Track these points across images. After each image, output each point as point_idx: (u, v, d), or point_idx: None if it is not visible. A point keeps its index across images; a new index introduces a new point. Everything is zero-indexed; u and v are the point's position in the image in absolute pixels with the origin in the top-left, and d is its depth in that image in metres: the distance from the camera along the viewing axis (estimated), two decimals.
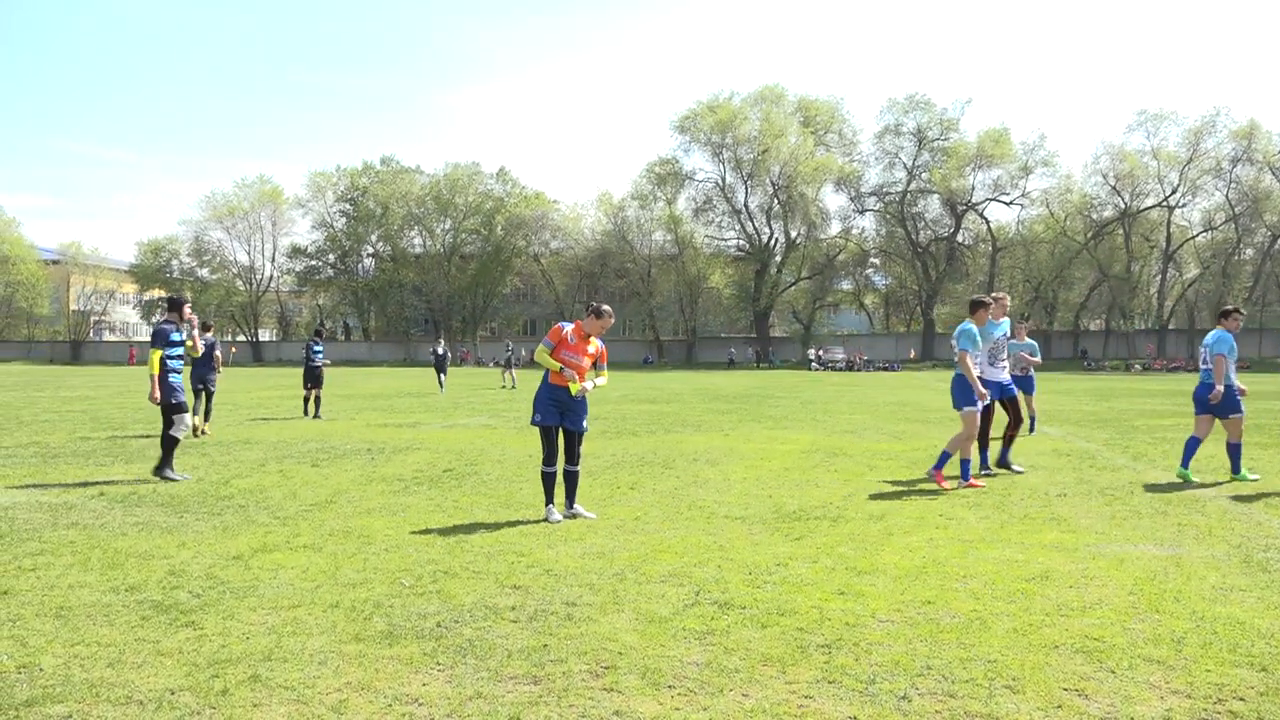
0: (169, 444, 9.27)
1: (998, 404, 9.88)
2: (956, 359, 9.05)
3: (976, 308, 9.33)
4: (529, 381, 38.22)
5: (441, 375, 28.44)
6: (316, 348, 18.65)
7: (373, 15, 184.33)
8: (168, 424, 9.29)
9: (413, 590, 5.11)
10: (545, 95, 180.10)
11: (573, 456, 7.42)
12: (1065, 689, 3.69)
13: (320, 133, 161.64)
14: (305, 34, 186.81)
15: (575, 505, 7.42)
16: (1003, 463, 9.98)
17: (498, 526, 6.94)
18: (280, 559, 5.85)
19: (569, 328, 7.33)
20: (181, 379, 9.64)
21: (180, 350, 9.70)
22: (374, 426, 15.64)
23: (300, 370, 20.06)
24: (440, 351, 28.95)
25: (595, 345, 7.42)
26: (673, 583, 5.28)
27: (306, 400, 18.23)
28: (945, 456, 8.96)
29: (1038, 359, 13.61)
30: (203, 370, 14.15)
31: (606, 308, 7.45)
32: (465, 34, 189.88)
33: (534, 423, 7.32)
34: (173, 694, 3.62)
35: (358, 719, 3.41)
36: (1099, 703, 3.56)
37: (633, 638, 4.30)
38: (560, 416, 7.32)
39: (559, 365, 7.23)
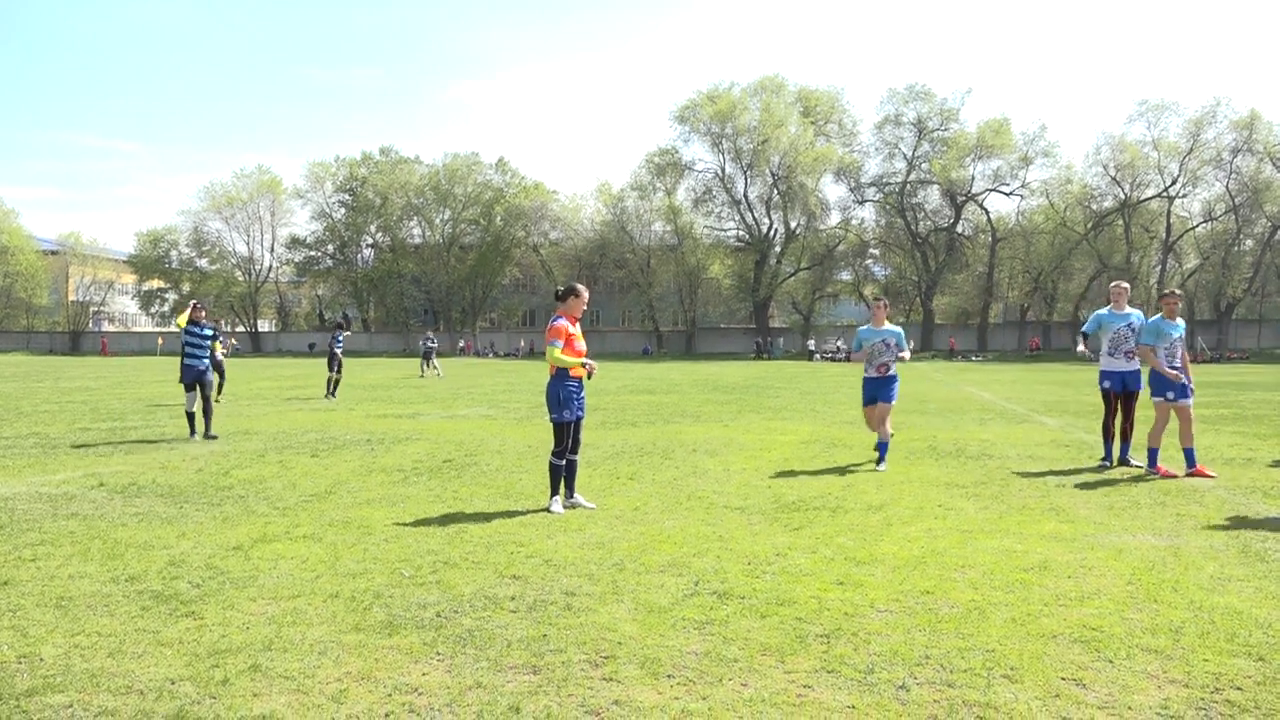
0: (188, 416, 12.22)
1: (1117, 396, 9.75)
2: (1139, 353, 9.41)
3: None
4: (451, 368, 38.31)
5: (425, 363, 33.12)
6: (340, 337, 21.53)
7: (373, 9, 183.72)
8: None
9: (412, 580, 5.12)
10: (544, 86, 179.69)
11: (576, 445, 7.45)
12: (1063, 678, 3.70)
13: (319, 124, 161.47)
14: (305, 27, 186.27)
15: (575, 495, 7.44)
16: (1123, 458, 9.72)
17: (497, 517, 6.95)
18: (280, 549, 5.85)
19: (563, 322, 7.31)
20: (199, 365, 12.36)
21: (203, 343, 12.43)
22: (373, 417, 15.64)
23: (324, 359, 23.14)
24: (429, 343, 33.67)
25: (579, 325, 7.50)
26: (672, 573, 5.29)
27: (329, 382, 20.85)
28: (1154, 453, 9.15)
29: (905, 353, 9.90)
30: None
31: (580, 285, 7.51)
32: (465, 27, 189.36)
33: (562, 420, 7.29)
34: (173, 684, 3.63)
35: (358, 708, 3.42)
36: (1097, 692, 3.57)
37: (632, 627, 4.31)
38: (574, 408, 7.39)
39: (579, 360, 7.28)
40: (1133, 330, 9.66)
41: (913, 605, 4.66)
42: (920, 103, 68.83)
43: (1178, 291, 9.55)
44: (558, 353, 7.22)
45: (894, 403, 10.05)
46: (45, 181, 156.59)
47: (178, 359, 12.72)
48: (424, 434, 12.86)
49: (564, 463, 7.34)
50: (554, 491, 7.30)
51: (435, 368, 33.26)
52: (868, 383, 10.03)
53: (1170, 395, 9.13)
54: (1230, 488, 8.27)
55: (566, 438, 7.31)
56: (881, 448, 9.85)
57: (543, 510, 7.19)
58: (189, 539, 6.15)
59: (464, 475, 9.04)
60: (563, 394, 7.29)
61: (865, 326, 10.06)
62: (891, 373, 9.92)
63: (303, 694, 3.54)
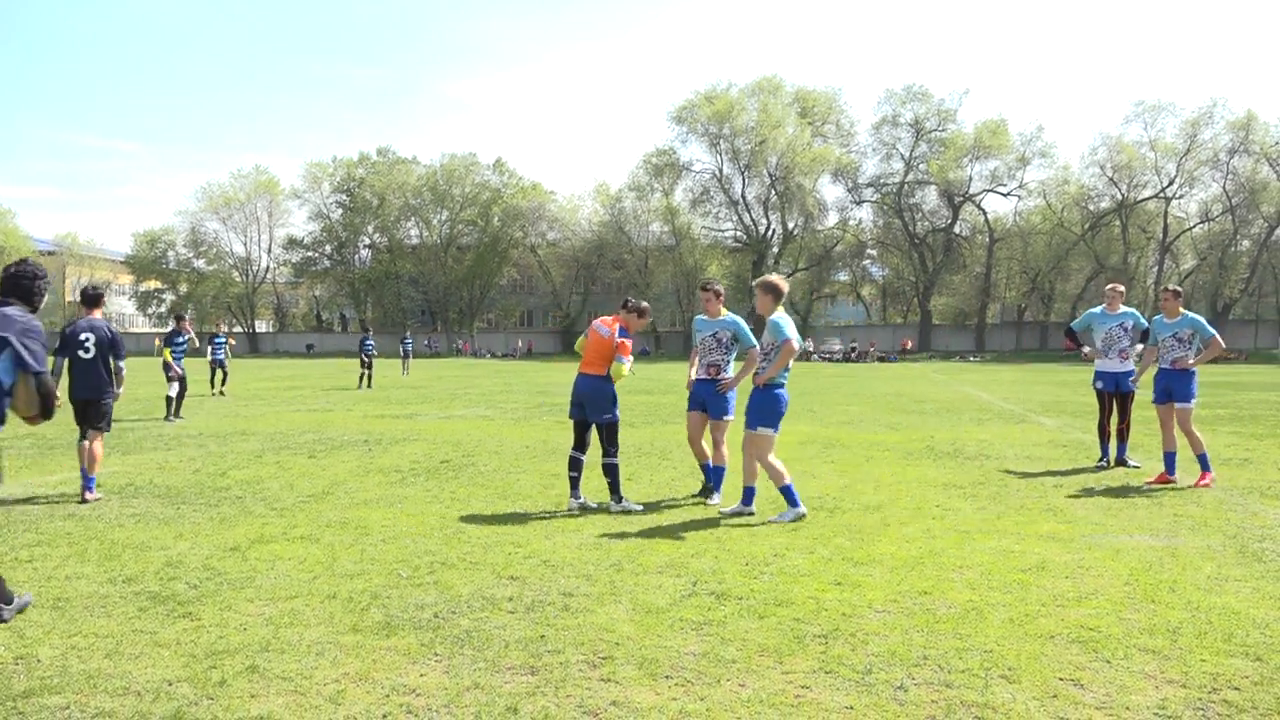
0: (167, 400, 15.34)
1: (1110, 396, 9.67)
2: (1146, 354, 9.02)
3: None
4: (449, 368, 38.38)
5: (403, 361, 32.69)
6: (369, 340, 25.76)
7: (369, 7, 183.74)
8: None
9: (410, 581, 5.11)
10: (542, 86, 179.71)
11: (585, 445, 7.52)
12: (1061, 679, 3.71)
13: (316, 124, 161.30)
14: (300, 26, 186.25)
15: (582, 494, 7.45)
16: (1120, 458, 9.63)
17: (495, 517, 6.95)
18: (277, 550, 5.85)
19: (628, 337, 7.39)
20: (181, 363, 15.58)
21: (183, 346, 15.93)
22: (371, 418, 15.62)
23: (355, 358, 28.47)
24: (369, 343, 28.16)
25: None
26: (670, 573, 5.29)
27: (361, 377, 25.25)
28: (1204, 458, 8.51)
29: (759, 348, 7.21)
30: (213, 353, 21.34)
31: (646, 305, 7.63)
32: (461, 26, 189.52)
33: (619, 419, 7.42)
34: (170, 685, 3.62)
35: (355, 709, 3.41)
36: (1094, 692, 3.58)
37: (630, 628, 4.31)
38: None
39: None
40: (1125, 330, 9.64)
41: (910, 606, 4.66)
42: (918, 103, 68.95)
43: (1170, 287, 9.09)
44: (625, 369, 7.29)
45: (728, 419, 7.71)
46: (44, 181, 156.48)
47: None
48: (421, 434, 12.85)
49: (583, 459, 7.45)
50: (620, 489, 7.35)
51: (368, 375, 26.50)
52: (695, 386, 7.81)
53: (1155, 398, 8.85)
54: (1227, 488, 8.28)
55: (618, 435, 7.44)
56: (715, 474, 7.80)
57: (546, 512, 7.18)
58: (186, 540, 6.14)
59: (461, 476, 9.04)
60: (616, 395, 7.41)
61: (699, 316, 7.94)
62: (726, 375, 7.69)
63: (300, 695, 3.53)
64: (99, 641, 4.11)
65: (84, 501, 7.57)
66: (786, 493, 6.94)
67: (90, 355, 7.89)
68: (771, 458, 6.95)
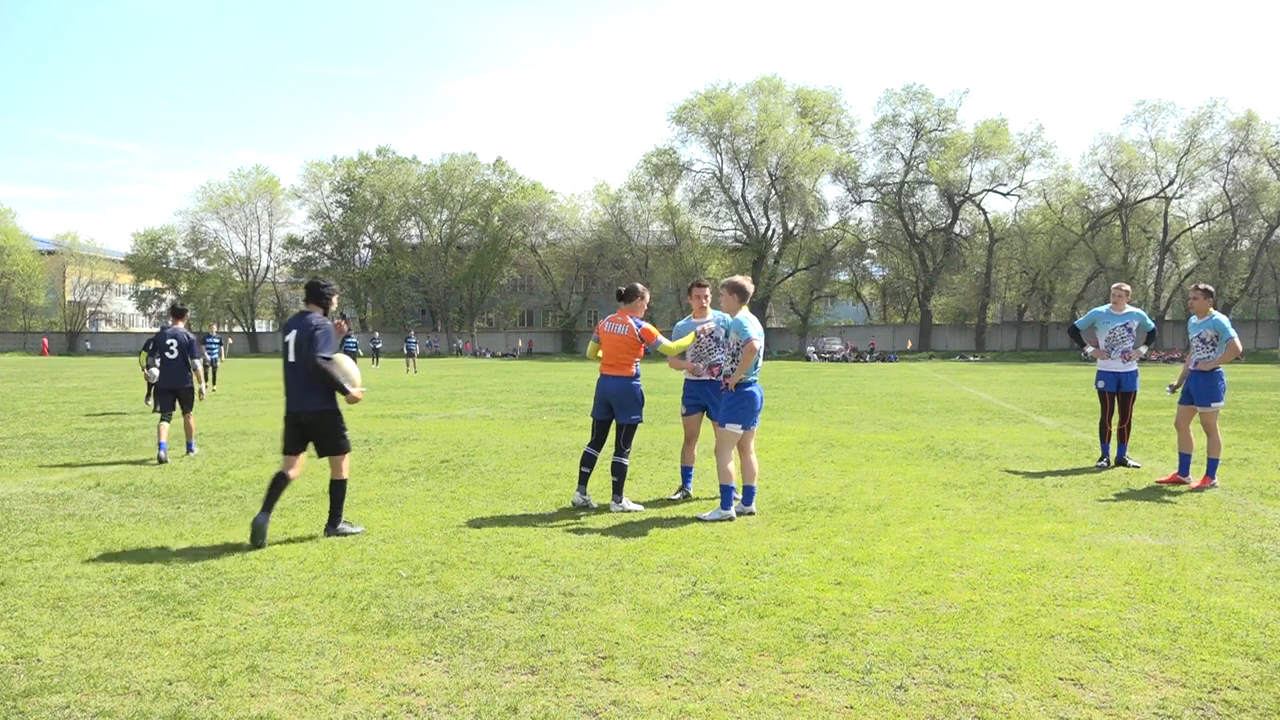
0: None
1: (1112, 396, 9.65)
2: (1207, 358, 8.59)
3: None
4: (450, 368, 38.45)
5: (409, 360, 31.84)
6: (350, 339, 28.11)
7: (369, 7, 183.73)
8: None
9: (410, 581, 5.12)
10: (542, 86, 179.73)
11: (602, 443, 7.58)
12: (1061, 678, 3.71)
13: (316, 123, 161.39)
14: (300, 26, 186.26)
15: (587, 492, 7.46)
16: (1120, 458, 9.61)
17: (495, 517, 6.95)
18: (278, 550, 5.85)
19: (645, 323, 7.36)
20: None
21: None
22: (371, 417, 15.62)
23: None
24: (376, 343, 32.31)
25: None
26: (670, 573, 5.29)
27: None
28: (1213, 463, 8.42)
29: (755, 340, 6.91)
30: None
31: (640, 286, 7.55)
32: (461, 25, 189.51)
33: (641, 420, 7.42)
34: (170, 684, 3.62)
35: (355, 709, 3.41)
36: (1094, 692, 3.58)
37: (630, 628, 4.31)
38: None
39: (684, 343, 7.37)
40: (1130, 331, 9.63)
41: (910, 605, 4.66)
42: (918, 103, 68.85)
43: (1201, 286, 8.93)
44: (671, 344, 7.28)
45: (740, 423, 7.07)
46: (43, 181, 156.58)
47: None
48: (421, 434, 12.85)
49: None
50: (623, 489, 7.35)
51: (376, 365, 31.17)
52: (690, 386, 7.67)
53: (1180, 399, 8.77)
54: (1227, 488, 8.28)
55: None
56: (685, 474, 7.92)
57: (546, 512, 7.18)
58: (186, 540, 6.15)
59: (461, 475, 9.04)
60: (643, 395, 7.38)
61: (685, 319, 7.85)
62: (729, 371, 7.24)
63: (300, 694, 3.53)
64: (99, 641, 4.11)
65: (190, 452, 10.36)
66: (725, 492, 6.92)
67: (175, 355, 10.27)
68: (729, 456, 6.96)
